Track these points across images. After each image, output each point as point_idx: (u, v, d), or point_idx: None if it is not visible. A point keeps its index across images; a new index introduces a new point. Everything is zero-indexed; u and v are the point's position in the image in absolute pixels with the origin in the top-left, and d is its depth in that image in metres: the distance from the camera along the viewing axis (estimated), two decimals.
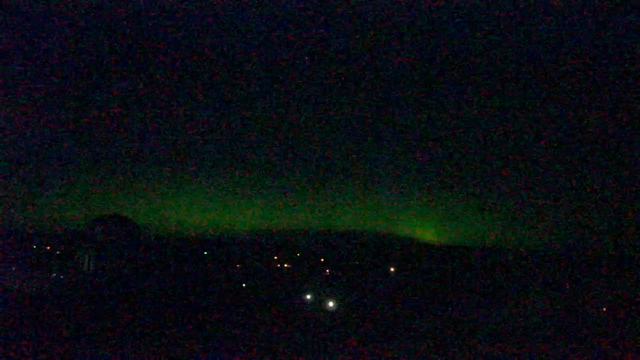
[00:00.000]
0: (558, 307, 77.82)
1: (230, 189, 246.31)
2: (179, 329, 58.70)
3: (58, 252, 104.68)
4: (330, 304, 75.84)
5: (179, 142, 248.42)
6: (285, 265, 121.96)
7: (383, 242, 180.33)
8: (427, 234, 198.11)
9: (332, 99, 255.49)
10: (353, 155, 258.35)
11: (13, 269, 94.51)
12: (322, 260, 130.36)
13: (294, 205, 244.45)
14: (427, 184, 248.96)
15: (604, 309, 78.24)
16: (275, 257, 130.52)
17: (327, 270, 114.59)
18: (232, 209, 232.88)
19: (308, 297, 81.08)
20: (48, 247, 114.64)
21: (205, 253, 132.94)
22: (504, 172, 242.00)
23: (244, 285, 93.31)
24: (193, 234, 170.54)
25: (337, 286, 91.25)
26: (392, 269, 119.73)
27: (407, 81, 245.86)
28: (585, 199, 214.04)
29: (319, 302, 78.07)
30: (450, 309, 75.77)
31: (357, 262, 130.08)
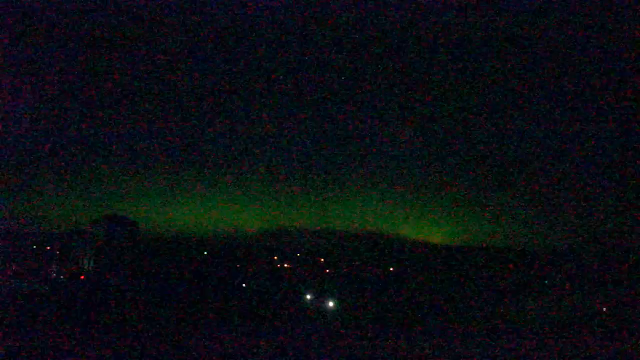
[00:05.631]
0: (560, 306, 77.81)
1: (230, 189, 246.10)
2: (179, 329, 58.68)
3: (58, 252, 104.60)
4: (330, 304, 75.80)
5: (179, 142, 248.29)
6: (285, 265, 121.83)
7: (383, 242, 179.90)
8: (429, 234, 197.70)
9: (333, 97, 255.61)
10: (354, 155, 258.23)
11: (13, 269, 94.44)
12: (322, 260, 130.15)
13: (294, 205, 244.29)
14: (428, 184, 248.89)
15: (604, 309, 78.23)
16: (275, 257, 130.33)
17: (327, 270, 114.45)
18: (232, 209, 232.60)
19: (308, 297, 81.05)
20: (48, 247, 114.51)
21: (205, 253, 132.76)
22: (505, 172, 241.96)
23: (243, 285, 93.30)
24: (193, 234, 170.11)
25: (337, 286, 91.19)
26: (392, 269, 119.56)
27: (409, 81, 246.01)
28: (587, 199, 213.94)
29: (319, 302, 78.02)
30: (451, 309, 75.72)
31: (357, 262, 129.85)
